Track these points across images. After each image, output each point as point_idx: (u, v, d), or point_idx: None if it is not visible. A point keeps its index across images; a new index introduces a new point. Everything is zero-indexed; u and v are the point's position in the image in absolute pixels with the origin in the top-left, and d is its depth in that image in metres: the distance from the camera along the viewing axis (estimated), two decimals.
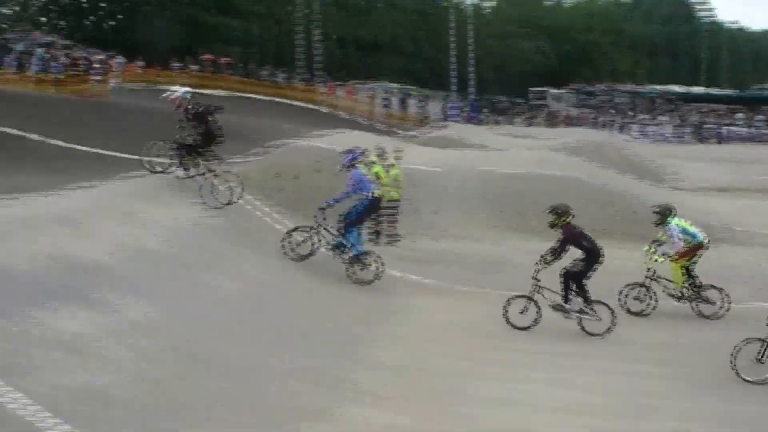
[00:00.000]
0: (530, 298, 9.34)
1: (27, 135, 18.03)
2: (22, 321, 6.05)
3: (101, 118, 19.92)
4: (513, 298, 9.34)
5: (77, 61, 28.43)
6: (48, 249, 7.30)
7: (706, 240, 10.30)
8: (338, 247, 10.59)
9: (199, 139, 10.48)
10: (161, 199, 10.04)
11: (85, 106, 22.23)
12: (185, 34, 38.03)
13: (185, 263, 8.60)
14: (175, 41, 37.42)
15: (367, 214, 10.75)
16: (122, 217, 8.86)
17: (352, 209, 10.59)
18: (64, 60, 28.52)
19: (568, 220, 9.56)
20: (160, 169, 10.75)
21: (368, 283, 10.28)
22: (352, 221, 10.57)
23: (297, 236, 10.48)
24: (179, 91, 10.70)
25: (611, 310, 9.31)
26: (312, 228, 10.51)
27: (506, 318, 9.23)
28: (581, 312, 9.38)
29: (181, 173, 10.68)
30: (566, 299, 9.46)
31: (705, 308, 10.23)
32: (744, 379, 7.55)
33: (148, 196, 9.91)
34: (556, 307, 9.42)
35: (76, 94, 25.42)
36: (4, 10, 40.64)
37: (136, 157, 11.29)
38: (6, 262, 6.72)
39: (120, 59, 31.96)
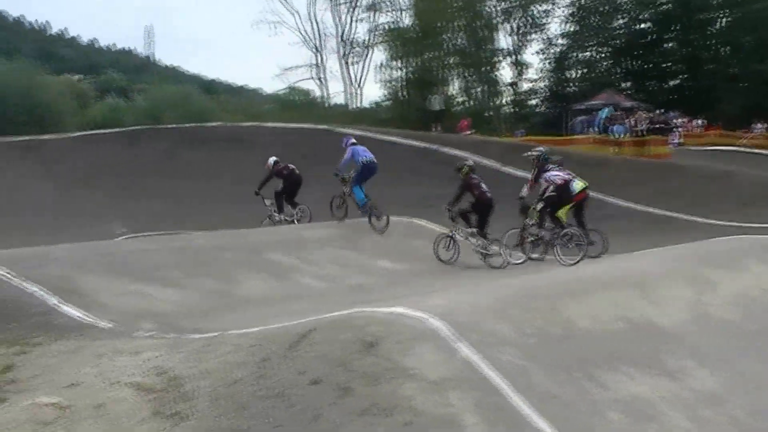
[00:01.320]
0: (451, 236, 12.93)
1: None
2: (585, 379, 6.34)
3: (661, 179, 20.42)
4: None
5: (639, 122, 29.41)
6: (618, 310, 7.57)
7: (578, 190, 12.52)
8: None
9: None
10: (731, 264, 9.61)
11: (647, 166, 23.15)
12: (751, 92, 36.10)
13: (751, 332, 8.05)
14: (740, 99, 35.87)
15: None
16: (689, 282, 8.72)
17: None
18: (628, 122, 29.76)
19: (465, 171, 12.93)
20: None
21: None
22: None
23: None
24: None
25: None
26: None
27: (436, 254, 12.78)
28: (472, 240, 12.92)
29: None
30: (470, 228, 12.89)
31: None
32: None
33: (717, 261, 9.62)
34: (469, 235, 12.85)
35: (638, 155, 26.38)
36: (573, 74, 44.74)
37: (699, 219, 11.26)
38: (580, 322, 7.16)
39: (684, 119, 32.18)
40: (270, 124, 32.09)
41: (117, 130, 32.65)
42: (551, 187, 12.26)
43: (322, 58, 47.49)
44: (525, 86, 45.78)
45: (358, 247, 12.59)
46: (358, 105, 47.49)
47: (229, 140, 29.31)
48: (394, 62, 45.41)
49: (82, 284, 8.88)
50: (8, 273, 8.65)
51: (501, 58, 44.97)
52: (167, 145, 29.63)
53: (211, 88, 59.62)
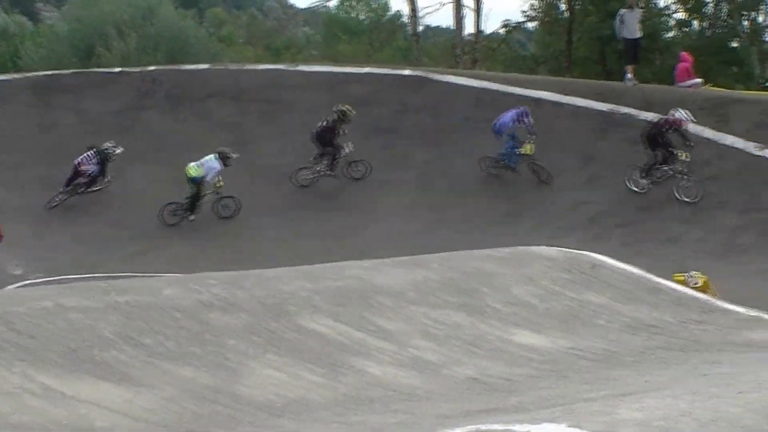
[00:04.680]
0: None
1: None
2: None
3: None
4: None
5: None
6: None
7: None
8: None
9: None
10: None
11: None
12: None
13: None
14: None
15: None
16: None
17: None
18: None
19: None
20: None
21: None
22: None
23: None
24: None
25: None
26: None
27: None
28: None
29: None
30: None
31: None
32: None
33: None
34: None
35: None
36: None
37: None
38: None
39: None
40: (307, 68, 32.37)
41: (13, 76, 33.38)
42: None
43: None
44: None
45: (477, 304, 12.60)
46: (476, 31, 47.50)
47: (230, 97, 29.68)
48: None
49: None
50: None
51: None
52: (113, 105, 30.17)
53: None
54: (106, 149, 28.60)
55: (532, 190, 25.34)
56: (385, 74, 29.44)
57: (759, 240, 22.15)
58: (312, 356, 10.84)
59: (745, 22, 44.37)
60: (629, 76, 31.61)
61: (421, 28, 48.56)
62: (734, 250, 21.23)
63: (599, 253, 15.31)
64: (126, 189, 28.20)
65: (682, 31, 44.13)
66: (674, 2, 44.72)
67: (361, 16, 51.70)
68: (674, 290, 14.31)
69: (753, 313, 14.26)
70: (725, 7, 44.07)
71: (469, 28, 47.27)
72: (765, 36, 44.63)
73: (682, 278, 16.53)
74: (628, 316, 13.06)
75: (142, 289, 12.23)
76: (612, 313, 13.20)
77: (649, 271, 14.88)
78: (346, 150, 28.76)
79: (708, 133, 23.64)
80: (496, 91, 27.74)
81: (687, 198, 26.50)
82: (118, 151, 28.75)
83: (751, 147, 22.36)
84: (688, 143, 25.91)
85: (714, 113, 24.92)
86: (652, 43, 38.50)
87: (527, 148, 27.49)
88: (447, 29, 48.48)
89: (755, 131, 23.16)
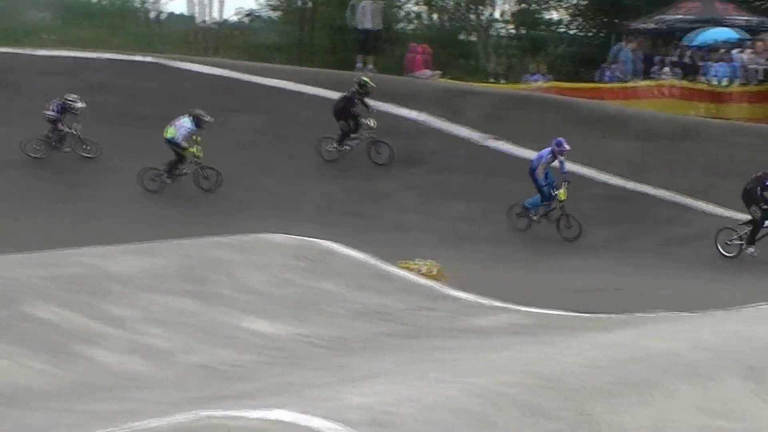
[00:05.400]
0: None
1: None
2: None
3: None
4: None
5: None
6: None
7: None
8: None
9: None
10: None
11: None
12: None
13: None
14: None
15: None
16: None
17: None
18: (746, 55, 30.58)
19: None
20: None
21: None
22: None
23: None
24: None
25: None
26: None
27: None
28: None
29: None
30: None
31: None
32: None
33: None
34: None
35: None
36: None
37: None
38: None
39: None
40: (42, 52, 31.74)
41: None
42: None
43: None
44: None
45: (209, 291, 12.56)
46: (215, 18, 47.34)
47: None
48: None
49: None
50: None
51: None
52: None
53: None
54: (68, 99, 27.98)
55: (258, 178, 25.36)
56: (121, 60, 28.98)
57: (485, 228, 22.73)
58: (39, 344, 10.62)
59: (477, 16, 45.14)
60: (363, 66, 31.87)
61: (161, 14, 48.19)
62: (463, 238, 21.74)
63: (331, 240, 15.45)
64: None
65: (416, 23, 44.64)
66: None
67: (102, 1, 50.66)
68: (403, 278, 14.54)
69: (478, 299, 14.63)
70: (460, 1, 44.76)
71: (211, 15, 47.05)
72: (493, 30, 45.52)
73: (411, 265, 16.82)
74: (358, 303, 13.16)
75: None
76: (343, 300, 13.30)
77: (379, 259, 15.09)
78: (370, 124, 26.90)
79: (440, 124, 24.01)
80: (236, 79, 27.64)
81: None
82: (79, 105, 28.07)
83: (477, 137, 22.88)
84: None
85: (446, 105, 25.39)
86: (387, 34, 38.86)
87: (561, 194, 24.27)
88: (190, 16, 48.06)
89: (482, 122, 23.75)
